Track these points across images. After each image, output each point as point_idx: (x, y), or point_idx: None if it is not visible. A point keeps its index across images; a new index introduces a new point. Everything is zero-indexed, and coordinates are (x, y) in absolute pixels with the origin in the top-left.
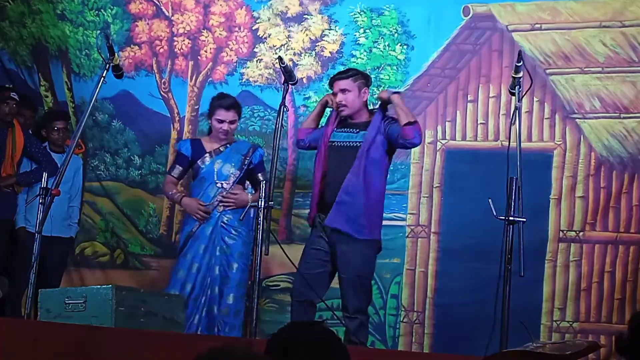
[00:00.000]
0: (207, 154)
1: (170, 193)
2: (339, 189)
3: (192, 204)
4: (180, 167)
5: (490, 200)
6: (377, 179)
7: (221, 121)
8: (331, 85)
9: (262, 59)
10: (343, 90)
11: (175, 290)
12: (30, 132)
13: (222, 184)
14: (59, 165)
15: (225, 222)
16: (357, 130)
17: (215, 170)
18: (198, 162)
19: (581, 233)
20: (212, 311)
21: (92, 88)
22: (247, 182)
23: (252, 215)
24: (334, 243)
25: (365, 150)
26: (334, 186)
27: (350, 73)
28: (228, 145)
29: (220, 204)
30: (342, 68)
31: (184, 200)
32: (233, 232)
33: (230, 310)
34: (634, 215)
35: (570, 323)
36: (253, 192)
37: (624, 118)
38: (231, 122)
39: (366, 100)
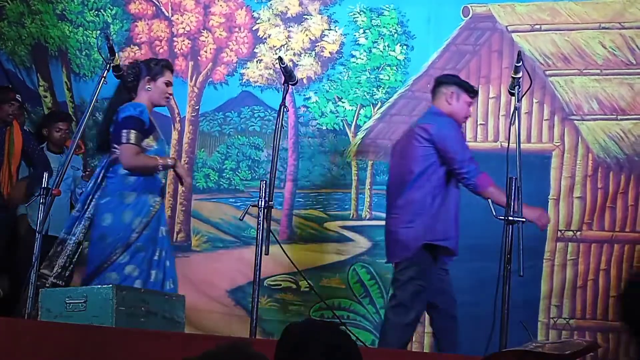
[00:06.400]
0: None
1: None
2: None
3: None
4: (141, 135)
5: (490, 200)
6: None
7: (169, 83)
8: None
9: (262, 60)
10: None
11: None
12: (28, 130)
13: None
14: (51, 167)
15: None
16: None
17: (165, 148)
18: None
19: (578, 232)
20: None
21: (92, 88)
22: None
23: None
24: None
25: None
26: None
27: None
28: None
29: None
30: (342, 68)
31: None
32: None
33: None
34: (629, 214)
35: (567, 320)
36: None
37: (621, 120)
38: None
39: None
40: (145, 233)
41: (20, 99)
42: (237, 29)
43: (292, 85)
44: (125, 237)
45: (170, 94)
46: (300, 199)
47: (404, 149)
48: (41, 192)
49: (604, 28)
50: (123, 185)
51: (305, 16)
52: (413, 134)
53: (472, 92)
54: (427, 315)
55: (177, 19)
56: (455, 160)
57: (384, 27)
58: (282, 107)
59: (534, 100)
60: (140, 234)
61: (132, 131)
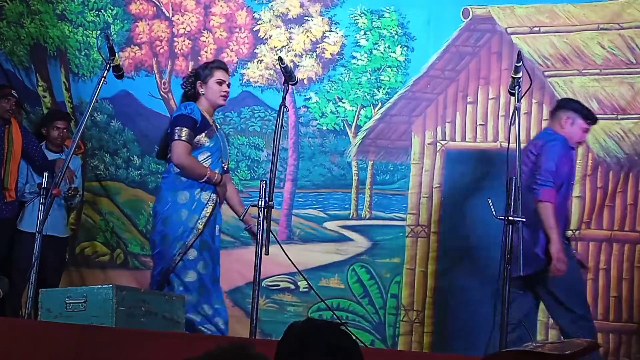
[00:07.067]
0: (213, 125)
1: (206, 172)
2: None
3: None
4: (192, 133)
5: (489, 200)
6: None
7: (222, 82)
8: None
9: (262, 60)
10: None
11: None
12: (27, 129)
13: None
14: (51, 165)
15: None
16: None
17: (222, 146)
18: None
19: (577, 232)
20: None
21: (90, 88)
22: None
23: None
24: None
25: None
26: None
27: None
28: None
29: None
30: (342, 70)
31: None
32: None
33: None
34: (629, 213)
35: None
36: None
37: (621, 119)
38: (228, 85)
39: None
40: (205, 230)
41: (16, 95)
42: (237, 30)
43: (292, 85)
44: (186, 236)
45: (226, 92)
46: (300, 199)
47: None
48: (41, 192)
49: (602, 29)
50: (176, 184)
51: (306, 18)
52: (526, 150)
53: (590, 119)
54: (425, 314)
55: (178, 19)
56: (540, 168)
57: (384, 28)
58: (282, 107)
59: (534, 101)
60: (201, 232)
61: (184, 128)
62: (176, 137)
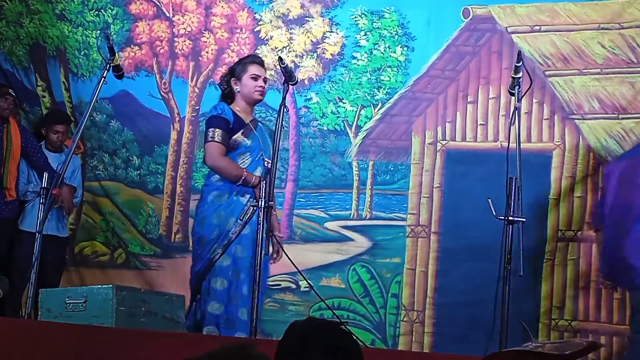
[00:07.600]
0: (249, 124)
1: (241, 174)
2: None
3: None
4: (226, 134)
5: (490, 200)
6: None
7: (257, 77)
8: None
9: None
10: None
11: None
12: (26, 128)
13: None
14: (51, 165)
15: None
16: None
17: (262, 145)
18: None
19: (579, 232)
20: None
21: (90, 88)
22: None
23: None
24: None
25: None
26: None
27: None
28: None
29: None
30: (343, 70)
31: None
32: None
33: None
34: None
35: (569, 322)
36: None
37: (622, 119)
38: (264, 80)
39: None
40: (244, 234)
41: (13, 94)
42: (238, 30)
43: (292, 85)
44: (223, 238)
45: (262, 87)
46: (301, 199)
47: (633, 175)
48: (41, 192)
49: (603, 28)
50: (216, 186)
51: (307, 18)
52: None
53: None
54: (426, 314)
55: (178, 19)
56: None
57: (384, 29)
58: (282, 107)
59: (534, 100)
60: (237, 235)
61: (216, 130)
62: (209, 139)
